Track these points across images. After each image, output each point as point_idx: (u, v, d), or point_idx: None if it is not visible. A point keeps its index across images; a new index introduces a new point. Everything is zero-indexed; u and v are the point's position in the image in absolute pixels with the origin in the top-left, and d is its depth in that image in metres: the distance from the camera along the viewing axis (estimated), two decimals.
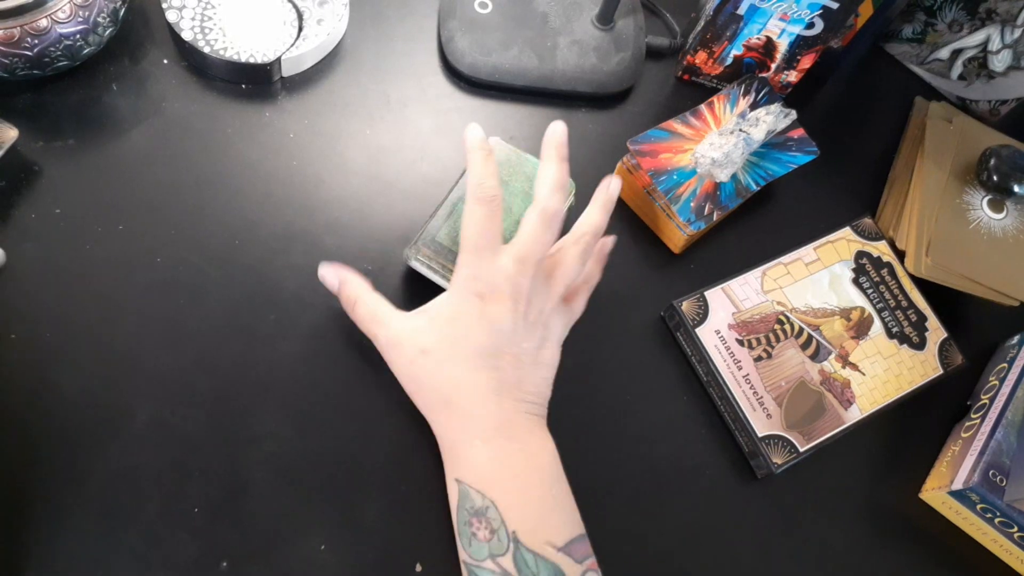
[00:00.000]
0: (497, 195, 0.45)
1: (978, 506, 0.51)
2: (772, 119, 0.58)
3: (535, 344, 0.46)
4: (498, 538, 0.42)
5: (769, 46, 0.63)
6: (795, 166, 0.60)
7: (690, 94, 0.67)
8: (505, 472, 0.43)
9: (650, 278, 0.59)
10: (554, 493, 0.44)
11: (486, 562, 0.41)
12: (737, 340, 0.54)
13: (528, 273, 0.45)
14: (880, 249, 0.60)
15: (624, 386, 0.55)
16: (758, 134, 0.57)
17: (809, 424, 0.53)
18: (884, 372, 0.56)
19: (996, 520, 0.51)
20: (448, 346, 0.44)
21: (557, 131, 0.49)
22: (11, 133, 0.48)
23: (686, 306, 0.55)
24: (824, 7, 0.59)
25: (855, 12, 0.64)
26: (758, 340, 0.55)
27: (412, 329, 0.45)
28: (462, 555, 0.43)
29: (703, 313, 0.55)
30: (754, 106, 0.61)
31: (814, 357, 0.55)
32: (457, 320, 0.45)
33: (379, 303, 0.47)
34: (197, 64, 0.58)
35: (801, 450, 0.52)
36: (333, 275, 0.48)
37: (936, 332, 0.58)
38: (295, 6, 0.60)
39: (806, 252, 0.59)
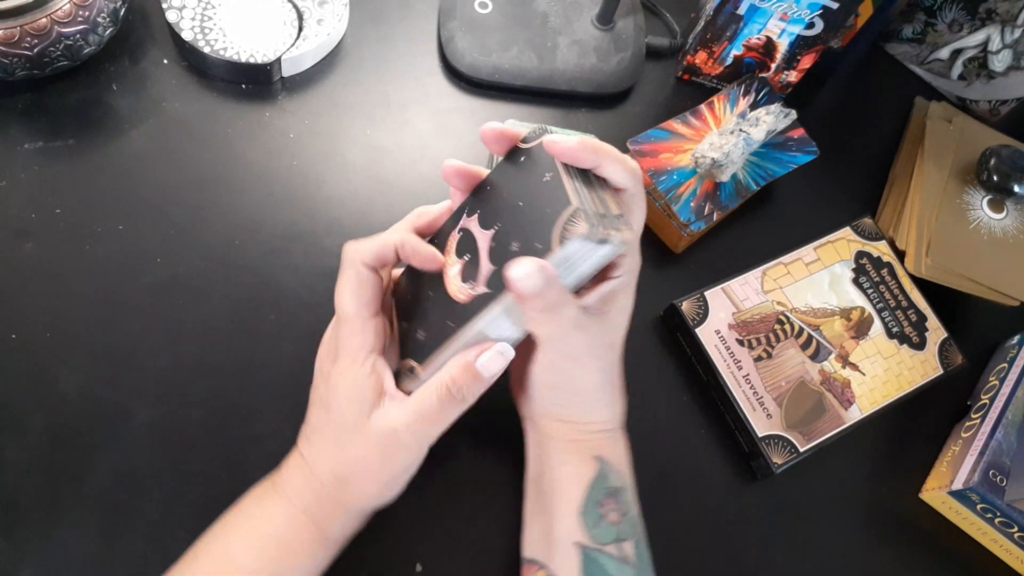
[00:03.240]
0: None
1: (978, 506, 0.51)
2: (772, 119, 0.58)
3: None
4: (628, 522, 0.42)
5: (769, 46, 0.63)
6: (795, 166, 0.60)
7: (690, 94, 0.67)
8: (630, 462, 0.45)
9: (650, 278, 0.59)
10: None
11: (609, 547, 0.41)
12: (737, 340, 0.54)
13: None
14: (880, 249, 0.60)
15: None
16: (758, 134, 0.57)
17: (809, 424, 0.53)
18: (884, 372, 0.56)
19: (996, 520, 0.51)
20: (623, 341, 0.44)
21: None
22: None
23: (686, 306, 0.55)
24: (824, 7, 0.59)
25: (855, 12, 0.64)
26: (758, 340, 0.55)
27: (605, 326, 0.42)
28: (578, 537, 0.41)
29: (703, 313, 0.55)
30: (754, 106, 0.61)
31: (814, 357, 0.55)
32: (630, 311, 0.44)
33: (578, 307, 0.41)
34: (197, 64, 0.58)
35: (801, 450, 0.52)
36: (538, 271, 0.36)
37: (936, 332, 0.58)
38: (295, 6, 0.60)
39: (806, 252, 0.59)
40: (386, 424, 0.40)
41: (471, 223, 0.42)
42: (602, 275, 0.41)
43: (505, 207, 0.40)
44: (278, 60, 0.58)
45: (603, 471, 0.42)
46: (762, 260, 0.58)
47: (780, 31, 0.62)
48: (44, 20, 0.50)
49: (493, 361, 0.39)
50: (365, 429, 0.40)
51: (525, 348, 0.42)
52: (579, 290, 0.41)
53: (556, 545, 0.42)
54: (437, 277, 0.43)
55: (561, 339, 0.40)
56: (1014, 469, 0.51)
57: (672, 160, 0.58)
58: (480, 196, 0.43)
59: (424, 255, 0.42)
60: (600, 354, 0.42)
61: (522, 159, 0.41)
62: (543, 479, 0.44)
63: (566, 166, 0.38)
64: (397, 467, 0.41)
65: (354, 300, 0.41)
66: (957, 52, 0.70)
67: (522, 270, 0.35)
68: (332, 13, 0.60)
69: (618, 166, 0.39)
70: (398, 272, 0.47)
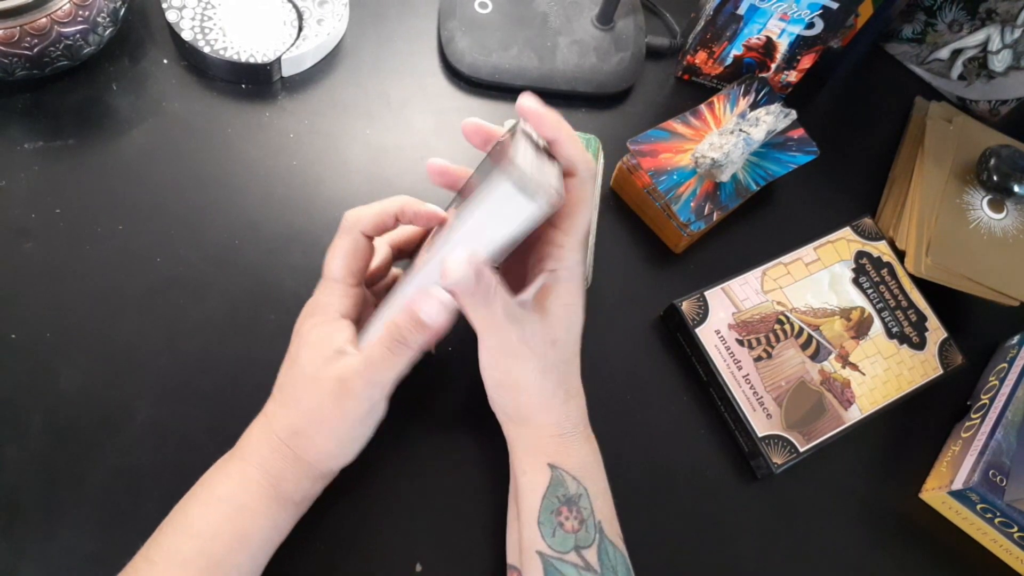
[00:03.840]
0: None
1: (978, 506, 0.51)
2: (772, 119, 0.58)
3: None
4: (586, 529, 0.41)
5: (769, 46, 0.63)
6: (795, 166, 0.60)
7: (690, 94, 0.67)
8: (597, 462, 0.44)
9: (650, 278, 0.59)
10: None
11: (570, 555, 0.40)
12: (737, 340, 0.54)
13: None
14: (880, 249, 0.60)
15: (624, 386, 0.55)
16: (758, 134, 0.57)
17: (809, 424, 0.53)
18: (884, 372, 0.56)
19: (996, 520, 0.51)
20: (574, 340, 0.44)
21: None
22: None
23: (686, 306, 0.55)
24: (824, 7, 0.59)
25: (855, 12, 0.64)
26: (758, 340, 0.55)
27: (544, 322, 0.42)
28: (538, 546, 0.41)
29: (703, 313, 0.55)
30: (754, 106, 0.61)
31: (814, 357, 0.55)
32: (579, 310, 0.43)
33: (510, 299, 0.41)
34: (197, 64, 0.58)
35: (801, 450, 0.52)
36: (467, 263, 0.38)
37: (936, 332, 0.58)
38: (295, 6, 0.60)
39: (806, 252, 0.59)
40: (338, 372, 0.41)
41: (449, 212, 0.44)
42: (538, 268, 0.43)
43: (470, 186, 0.43)
44: (278, 60, 0.58)
45: (556, 479, 0.42)
46: (762, 260, 0.58)
47: (780, 31, 0.62)
48: (44, 20, 0.50)
49: (433, 308, 0.40)
50: (320, 379, 0.41)
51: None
52: (519, 291, 0.43)
53: (525, 553, 0.42)
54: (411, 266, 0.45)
55: (493, 330, 0.40)
56: (1014, 469, 0.51)
57: (672, 160, 0.58)
58: (461, 189, 0.46)
59: (425, 215, 0.43)
60: (540, 351, 0.42)
61: (496, 149, 0.43)
62: (514, 486, 0.45)
63: (526, 141, 0.39)
64: (351, 418, 0.41)
65: (343, 266, 0.43)
66: (957, 52, 0.70)
67: (454, 258, 0.37)
68: (332, 13, 0.60)
69: (574, 146, 0.41)
70: (398, 271, 0.49)
